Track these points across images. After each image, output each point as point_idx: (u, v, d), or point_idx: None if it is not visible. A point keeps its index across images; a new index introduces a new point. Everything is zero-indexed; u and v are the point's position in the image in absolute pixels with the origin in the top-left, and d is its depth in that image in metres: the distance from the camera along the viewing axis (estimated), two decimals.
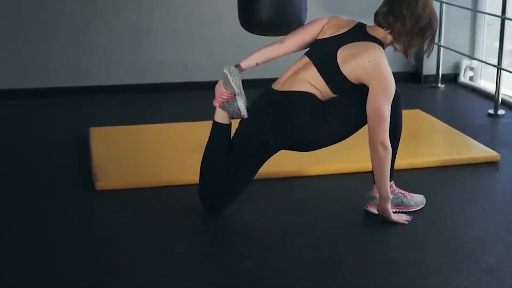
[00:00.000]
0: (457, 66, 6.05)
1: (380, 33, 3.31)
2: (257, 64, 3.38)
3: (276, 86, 3.36)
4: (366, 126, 3.27)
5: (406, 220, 3.35)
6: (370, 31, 3.32)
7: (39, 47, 5.52)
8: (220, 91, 3.29)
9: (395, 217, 3.34)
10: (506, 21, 5.14)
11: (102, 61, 5.64)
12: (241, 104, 3.29)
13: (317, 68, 3.28)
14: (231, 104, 3.30)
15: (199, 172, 3.42)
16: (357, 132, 3.33)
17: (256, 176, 3.42)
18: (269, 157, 3.38)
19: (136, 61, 5.68)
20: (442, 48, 5.87)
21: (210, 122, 3.42)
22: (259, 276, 2.93)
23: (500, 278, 2.89)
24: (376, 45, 3.27)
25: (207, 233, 3.37)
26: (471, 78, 6.06)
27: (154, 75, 5.73)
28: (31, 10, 5.46)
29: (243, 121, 3.37)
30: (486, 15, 5.84)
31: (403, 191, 3.47)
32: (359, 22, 3.37)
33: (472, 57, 5.98)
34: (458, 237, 3.27)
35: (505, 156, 4.18)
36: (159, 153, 4.16)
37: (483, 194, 3.78)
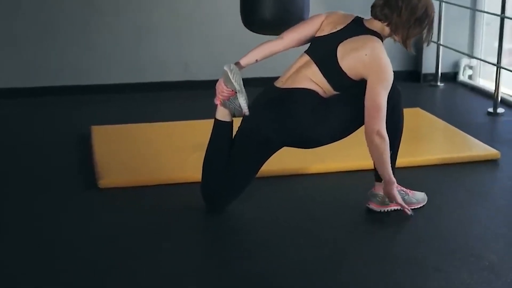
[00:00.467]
0: (456, 65, 6.06)
1: (377, 25, 3.31)
2: (256, 61, 3.37)
3: (278, 83, 3.36)
4: None
5: (409, 210, 3.36)
6: (367, 25, 3.32)
7: (39, 47, 5.51)
8: (221, 88, 3.29)
9: (401, 201, 3.35)
10: (505, 20, 5.15)
11: (102, 60, 5.64)
12: (242, 101, 3.28)
13: (317, 66, 3.29)
14: (232, 102, 3.30)
15: (200, 170, 3.41)
16: (358, 130, 3.33)
17: (257, 174, 3.42)
18: (271, 155, 3.38)
19: (136, 60, 5.68)
20: (441, 47, 5.87)
21: (211, 121, 3.42)
22: (259, 275, 2.92)
23: (502, 275, 2.89)
24: (375, 38, 3.27)
25: (207, 232, 3.36)
26: (470, 77, 6.06)
27: (154, 74, 5.73)
28: (31, 10, 5.46)
29: (245, 119, 3.36)
30: (485, 14, 5.85)
31: (405, 189, 3.47)
32: (356, 16, 3.37)
33: (471, 56, 5.98)
34: (459, 235, 3.27)
35: (505, 154, 4.18)
36: (160, 152, 4.16)
37: (483, 192, 3.78)
